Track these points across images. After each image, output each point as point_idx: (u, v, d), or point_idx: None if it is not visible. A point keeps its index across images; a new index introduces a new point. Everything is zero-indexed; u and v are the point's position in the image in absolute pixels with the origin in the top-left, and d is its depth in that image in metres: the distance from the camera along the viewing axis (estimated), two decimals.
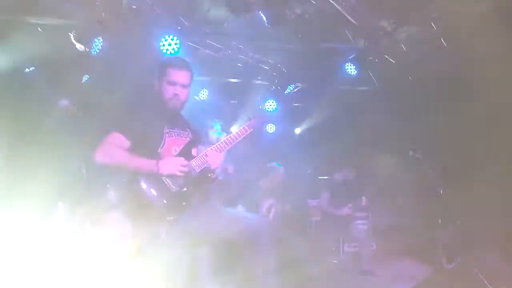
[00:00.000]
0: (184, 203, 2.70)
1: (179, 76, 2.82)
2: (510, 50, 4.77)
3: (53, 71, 5.88)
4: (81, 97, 6.22)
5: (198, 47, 5.81)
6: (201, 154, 2.84)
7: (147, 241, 2.61)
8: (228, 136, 2.93)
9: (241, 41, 5.92)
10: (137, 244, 2.96)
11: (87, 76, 6.19)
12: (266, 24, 5.09)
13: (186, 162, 2.74)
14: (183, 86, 2.84)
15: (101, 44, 5.29)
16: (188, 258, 2.74)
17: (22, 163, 5.19)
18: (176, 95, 2.81)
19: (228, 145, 2.91)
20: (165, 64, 2.90)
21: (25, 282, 3.26)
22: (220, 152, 2.87)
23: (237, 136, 2.95)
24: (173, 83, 2.81)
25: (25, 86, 5.77)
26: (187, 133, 2.92)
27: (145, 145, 2.71)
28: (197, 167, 2.80)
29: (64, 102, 2.51)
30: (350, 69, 6.36)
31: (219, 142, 2.89)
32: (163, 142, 2.75)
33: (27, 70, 5.75)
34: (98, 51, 5.43)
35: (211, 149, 2.85)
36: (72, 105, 2.54)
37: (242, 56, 6.15)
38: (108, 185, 5.82)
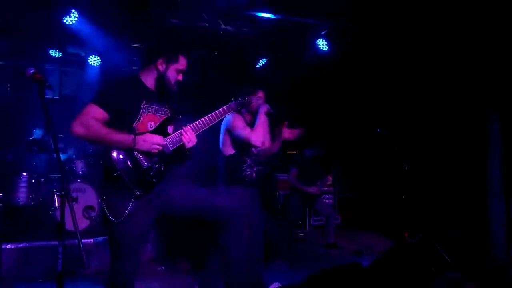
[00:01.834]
0: (154, 180, 2.70)
1: (186, 65, 2.90)
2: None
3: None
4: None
5: (167, 18, 5.70)
6: (177, 132, 2.82)
7: (113, 214, 2.60)
8: (205, 116, 2.92)
9: (212, 12, 5.81)
10: (102, 216, 2.94)
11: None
12: None
13: (163, 142, 2.73)
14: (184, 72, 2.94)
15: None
16: (152, 233, 2.76)
17: None
18: (178, 80, 2.89)
19: (205, 126, 2.91)
20: (178, 50, 2.91)
21: None
22: (196, 132, 2.87)
23: (215, 117, 2.96)
24: (181, 72, 2.88)
25: None
26: (165, 109, 2.89)
27: (122, 118, 2.69)
28: (171, 145, 2.79)
29: (31, 70, 2.42)
30: (322, 45, 6.39)
31: (196, 122, 2.89)
32: (139, 116, 2.73)
33: None
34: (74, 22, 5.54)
35: (188, 127, 2.85)
36: (40, 73, 2.45)
37: (214, 28, 6.05)
38: (74, 156, 5.77)
